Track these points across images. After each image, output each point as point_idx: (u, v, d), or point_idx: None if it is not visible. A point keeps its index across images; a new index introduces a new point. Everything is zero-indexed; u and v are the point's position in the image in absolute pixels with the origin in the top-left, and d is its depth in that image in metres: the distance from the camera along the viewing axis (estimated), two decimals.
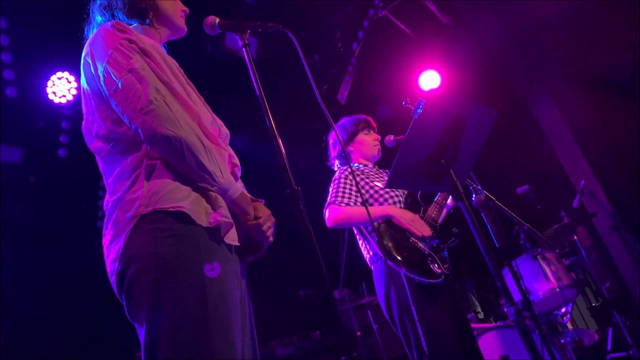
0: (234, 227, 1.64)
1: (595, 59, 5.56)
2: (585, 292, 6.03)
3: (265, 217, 1.75)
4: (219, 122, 1.85)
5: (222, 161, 1.69)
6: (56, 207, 5.44)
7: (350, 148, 3.38)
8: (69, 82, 4.85)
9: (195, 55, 5.02)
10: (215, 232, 1.59)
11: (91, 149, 1.75)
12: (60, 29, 4.50)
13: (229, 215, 1.63)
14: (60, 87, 4.84)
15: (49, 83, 4.80)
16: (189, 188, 1.59)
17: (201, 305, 1.48)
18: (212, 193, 1.63)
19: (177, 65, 1.85)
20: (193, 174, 1.60)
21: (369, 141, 3.37)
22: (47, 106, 4.88)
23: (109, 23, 1.72)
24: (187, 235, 1.54)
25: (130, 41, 1.67)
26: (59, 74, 4.82)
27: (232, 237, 1.64)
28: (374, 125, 3.45)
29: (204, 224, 1.57)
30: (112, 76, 1.60)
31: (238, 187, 1.70)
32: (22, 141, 4.93)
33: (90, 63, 1.68)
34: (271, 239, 1.78)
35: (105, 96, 1.63)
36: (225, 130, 1.85)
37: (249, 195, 1.77)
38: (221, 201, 1.64)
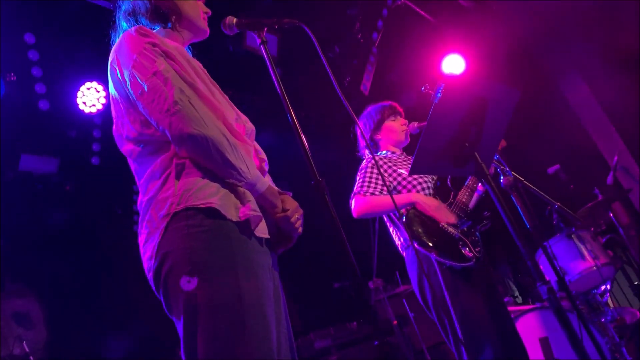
0: (263, 220, 1.69)
1: (625, 35, 5.42)
2: (626, 271, 5.90)
3: (293, 209, 1.79)
4: (244, 118, 1.89)
5: (247, 156, 1.72)
6: (93, 213, 5.60)
7: (379, 136, 3.37)
8: (98, 92, 4.95)
9: (218, 55, 5.08)
10: (245, 226, 1.63)
11: (123, 151, 1.81)
12: (86, 40, 4.62)
13: (258, 209, 1.68)
14: (90, 97, 4.93)
15: (79, 94, 4.90)
16: (217, 185, 1.64)
17: (236, 297, 1.52)
18: (240, 188, 1.67)
19: (201, 66, 1.90)
20: (220, 171, 1.64)
21: (396, 127, 3.37)
22: (79, 116, 5.00)
23: (133, 28, 1.78)
24: (218, 230, 1.58)
25: (154, 44, 1.72)
26: (88, 84, 4.90)
27: (262, 230, 1.68)
28: (400, 110, 3.43)
29: (234, 219, 1.61)
30: (138, 80, 1.65)
31: (265, 181, 1.74)
32: (57, 151, 5.07)
33: (117, 68, 1.73)
34: (300, 230, 1.82)
35: (133, 100, 1.69)
36: (250, 126, 1.89)
37: (276, 188, 1.81)
38: (249, 195, 1.68)
